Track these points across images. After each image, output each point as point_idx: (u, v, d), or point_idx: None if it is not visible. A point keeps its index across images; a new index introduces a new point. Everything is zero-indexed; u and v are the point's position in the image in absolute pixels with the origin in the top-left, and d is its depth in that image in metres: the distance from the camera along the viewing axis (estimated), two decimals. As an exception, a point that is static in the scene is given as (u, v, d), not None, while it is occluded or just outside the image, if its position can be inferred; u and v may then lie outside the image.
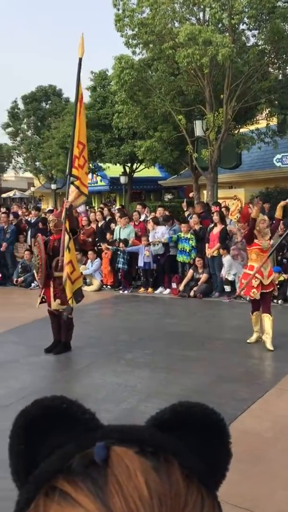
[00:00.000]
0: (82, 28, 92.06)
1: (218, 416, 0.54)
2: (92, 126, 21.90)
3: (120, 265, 11.28)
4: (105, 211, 13.88)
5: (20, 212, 15.63)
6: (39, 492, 0.47)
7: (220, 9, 13.29)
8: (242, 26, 14.48)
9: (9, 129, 35.58)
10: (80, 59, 6.48)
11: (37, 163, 33.92)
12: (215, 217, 10.72)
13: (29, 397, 5.01)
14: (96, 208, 20.39)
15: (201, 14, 14.92)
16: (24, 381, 5.59)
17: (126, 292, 11.28)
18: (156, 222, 11.28)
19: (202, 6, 14.28)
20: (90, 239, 12.50)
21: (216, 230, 10.59)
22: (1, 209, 15.53)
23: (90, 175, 26.74)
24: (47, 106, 34.47)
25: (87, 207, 17.86)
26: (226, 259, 10.23)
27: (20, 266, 12.47)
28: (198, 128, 15.00)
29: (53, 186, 31.53)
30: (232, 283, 10.12)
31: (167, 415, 0.53)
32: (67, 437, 0.51)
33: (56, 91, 34.54)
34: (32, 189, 40.52)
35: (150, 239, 11.07)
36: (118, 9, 15.10)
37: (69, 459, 0.48)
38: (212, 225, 10.79)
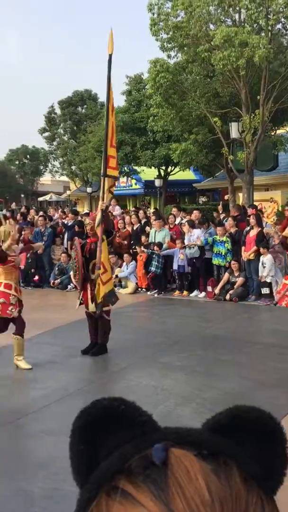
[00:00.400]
0: (118, 31, 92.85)
1: (275, 421, 0.54)
2: (127, 129, 22.05)
3: (152, 268, 11.29)
4: (141, 213, 13.95)
5: (57, 215, 15.88)
6: (101, 491, 0.48)
7: (256, 10, 13.17)
8: (278, 26, 14.32)
9: (46, 134, 36.24)
10: (110, 56, 6.44)
11: (73, 167, 34.38)
12: (252, 220, 10.60)
13: (67, 398, 5.10)
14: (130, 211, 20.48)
15: (236, 16, 14.82)
16: (61, 382, 5.67)
17: (160, 295, 11.29)
18: (192, 225, 11.25)
19: (237, 8, 14.19)
20: (125, 242, 12.57)
21: (253, 233, 10.48)
22: (38, 212, 15.82)
23: (125, 178, 26.91)
24: (83, 110, 34.93)
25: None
26: (267, 258, 10.08)
27: (56, 268, 12.66)
28: (234, 130, 14.88)
29: (89, 190, 31.88)
30: (270, 285, 9.98)
31: (224, 419, 0.53)
32: (125, 438, 0.53)
33: (91, 96, 34.98)
34: (68, 192, 41.02)
35: (186, 242, 11.05)
36: (153, 13, 15.17)
37: (128, 460, 0.49)
38: (249, 228, 10.68)
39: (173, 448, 0.49)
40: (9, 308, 6.10)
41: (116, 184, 6.74)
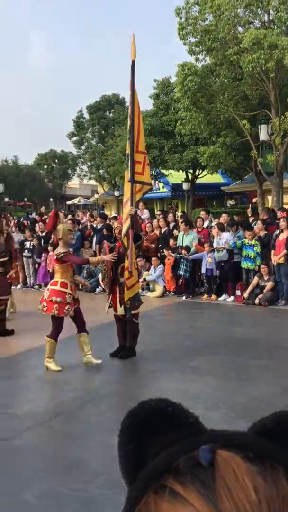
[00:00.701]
0: (143, 35, 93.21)
1: None
2: (155, 133, 22.11)
3: (181, 272, 11.27)
4: (170, 216, 13.96)
5: (85, 219, 16.04)
6: (149, 490, 0.49)
7: (286, 12, 13.06)
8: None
9: (75, 138, 36.64)
10: (133, 62, 6.40)
11: (101, 171, 34.66)
12: (282, 223, 10.48)
13: (96, 400, 5.14)
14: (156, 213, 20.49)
15: (265, 17, 14.72)
16: (91, 385, 5.72)
17: (188, 298, 11.26)
18: (221, 228, 11.19)
19: (266, 9, 14.09)
20: (153, 245, 12.59)
21: (283, 236, 10.35)
22: (66, 216, 16.00)
23: (152, 182, 26.97)
24: (111, 114, 35.20)
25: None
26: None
27: (85, 271, 12.77)
28: (263, 133, 14.75)
29: (116, 193, 32.08)
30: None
31: (270, 423, 0.54)
32: (172, 439, 0.54)
33: (119, 100, 35.22)
34: (96, 196, 41.38)
35: (215, 245, 11.00)
36: (181, 18, 15.20)
37: (176, 460, 0.50)
38: (278, 231, 10.55)
39: (220, 450, 0.50)
40: (66, 308, 6.16)
41: (145, 189, 6.68)
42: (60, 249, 6.27)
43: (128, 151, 6.62)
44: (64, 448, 4.19)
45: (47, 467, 3.88)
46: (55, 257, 6.39)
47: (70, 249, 12.63)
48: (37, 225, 14.65)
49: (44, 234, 13.95)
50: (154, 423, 0.56)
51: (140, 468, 0.54)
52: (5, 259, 8.14)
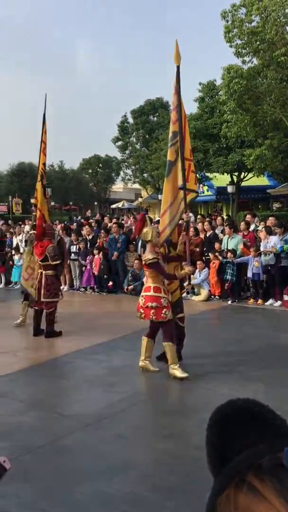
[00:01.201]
0: (189, 39, 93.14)
1: None
2: (200, 136, 22.02)
3: (228, 277, 11.15)
4: (219, 220, 13.85)
5: (130, 222, 16.14)
6: (231, 484, 0.52)
7: None
8: None
9: (119, 143, 37.02)
10: (178, 67, 6.41)
11: (145, 175, 34.84)
12: None
13: (142, 403, 5.15)
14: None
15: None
16: (137, 387, 5.74)
17: (234, 303, 11.13)
18: (269, 231, 11.00)
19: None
20: (197, 249, 12.52)
21: None
22: (112, 219, 16.15)
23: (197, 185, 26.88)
24: (155, 119, 35.36)
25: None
26: None
27: (130, 274, 12.85)
28: (311, 134, 14.43)
29: (160, 197, 32.10)
30: None
31: None
32: (258, 438, 0.57)
33: (163, 104, 35.32)
34: (140, 199, 41.60)
35: (262, 249, 10.83)
36: (227, 21, 15.09)
37: (260, 459, 0.52)
38: None
39: None
40: (163, 311, 6.08)
41: (191, 197, 6.77)
42: (148, 255, 6.12)
43: (169, 158, 6.61)
44: (113, 450, 4.22)
45: (96, 468, 3.92)
46: (143, 262, 6.31)
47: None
48: (83, 228, 14.87)
49: (90, 237, 14.16)
50: (240, 421, 0.59)
51: (225, 462, 0.57)
52: (58, 262, 8.30)
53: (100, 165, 51.34)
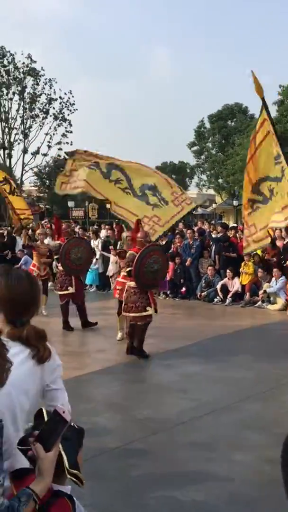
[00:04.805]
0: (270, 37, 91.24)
1: None
2: (280, 140, 21.48)
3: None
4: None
5: (205, 227, 16.02)
6: None
7: None
8: None
9: (195, 148, 36.97)
10: (263, 99, 6.31)
11: (220, 180, 34.53)
12: None
13: (217, 412, 5.07)
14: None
15: None
16: (211, 395, 5.66)
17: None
18: None
19: None
20: (274, 259, 12.15)
21: None
22: (186, 225, 16.12)
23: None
24: (232, 124, 34.97)
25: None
26: None
27: (203, 281, 12.74)
28: None
29: (235, 203, 31.69)
30: None
31: None
32: None
33: (241, 109, 34.86)
34: (214, 205, 41.24)
35: None
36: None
37: None
38: None
39: None
40: None
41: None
42: None
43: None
44: (186, 458, 4.18)
45: (169, 474, 3.90)
46: None
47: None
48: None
49: (164, 243, 14.19)
50: None
51: None
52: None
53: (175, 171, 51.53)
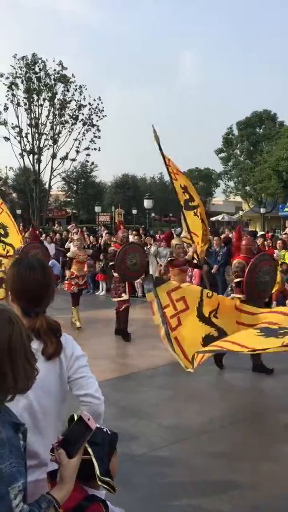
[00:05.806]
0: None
1: None
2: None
3: None
4: None
5: (231, 235, 15.89)
6: None
7: None
8: None
9: (222, 155, 36.81)
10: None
11: (247, 187, 34.27)
12: None
13: (242, 423, 4.99)
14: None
15: None
16: (235, 405, 5.60)
17: None
18: None
19: None
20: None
21: None
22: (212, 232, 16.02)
23: None
24: (261, 131, 34.71)
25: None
26: None
27: (229, 288, 12.60)
28: None
29: (262, 210, 31.35)
30: None
31: None
32: None
33: (270, 116, 34.58)
34: (241, 213, 40.93)
35: None
36: None
37: None
38: None
39: None
40: None
41: None
42: None
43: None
44: (212, 467, 4.13)
45: (194, 483, 3.86)
46: None
47: (215, 266, 12.63)
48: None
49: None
50: None
51: None
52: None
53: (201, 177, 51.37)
